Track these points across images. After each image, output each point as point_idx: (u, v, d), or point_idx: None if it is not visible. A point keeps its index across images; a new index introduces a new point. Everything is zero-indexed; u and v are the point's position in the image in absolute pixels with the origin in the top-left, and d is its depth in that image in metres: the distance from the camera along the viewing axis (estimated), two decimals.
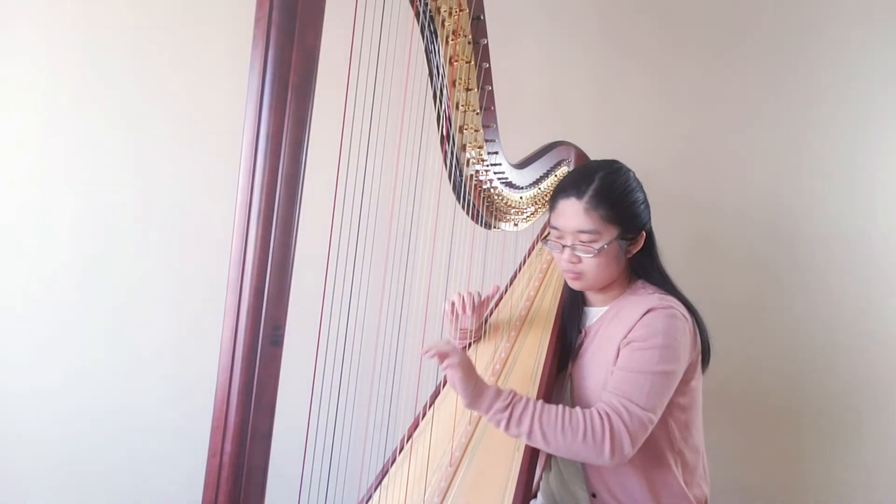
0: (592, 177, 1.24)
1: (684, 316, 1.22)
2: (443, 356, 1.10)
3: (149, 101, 1.87)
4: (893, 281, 1.95)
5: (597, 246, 1.22)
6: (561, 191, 1.26)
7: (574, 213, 1.22)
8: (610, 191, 1.23)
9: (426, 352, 1.11)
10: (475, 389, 1.11)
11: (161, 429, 1.91)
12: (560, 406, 1.13)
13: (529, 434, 1.09)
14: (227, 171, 1.88)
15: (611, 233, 1.22)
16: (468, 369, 1.11)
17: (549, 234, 1.32)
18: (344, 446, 1.07)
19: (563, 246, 1.25)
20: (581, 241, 1.22)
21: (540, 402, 1.12)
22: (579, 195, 1.22)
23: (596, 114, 1.99)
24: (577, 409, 1.13)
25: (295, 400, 0.89)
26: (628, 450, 1.09)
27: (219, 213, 1.87)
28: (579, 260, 1.24)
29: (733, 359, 1.93)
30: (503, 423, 1.10)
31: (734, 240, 2.00)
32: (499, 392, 1.12)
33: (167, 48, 1.87)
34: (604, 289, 1.31)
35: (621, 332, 1.22)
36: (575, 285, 1.30)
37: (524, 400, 1.11)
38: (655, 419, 1.13)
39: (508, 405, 1.10)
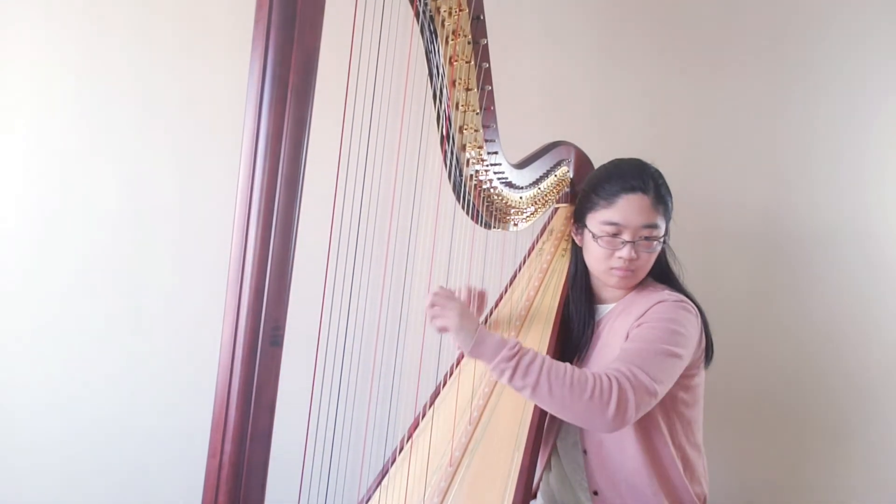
0: (647, 173, 1.25)
1: (694, 310, 1.24)
2: (430, 310, 1.10)
3: (149, 102, 1.87)
4: (894, 280, 1.95)
5: (658, 241, 1.24)
6: (622, 185, 1.24)
7: (643, 208, 1.22)
8: (666, 187, 1.27)
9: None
10: (477, 336, 1.08)
11: (161, 429, 1.91)
12: (568, 363, 1.10)
13: (535, 386, 1.05)
14: (227, 171, 1.88)
15: (664, 228, 1.26)
16: (463, 314, 1.09)
17: (583, 229, 1.30)
18: (344, 446, 1.07)
19: (624, 242, 1.23)
20: (643, 237, 1.23)
21: (547, 356, 1.09)
22: (646, 190, 1.23)
23: (596, 113, 1.99)
24: (586, 369, 1.10)
25: (295, 400, 0.89)
26: (631, 414, 1.05)
27: (219, 214, 1.87)
28: (638, 256, 1.24)
29: (733, 358, 1.93)
30: (508, 373, 1.06)
31: (734, 239, 1.99)
32: (504, 341, 1.08)
33: (167, 49, 1.86)
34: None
35: (630, 321, 1.22)
36: (622, 284, 1.28)
37: (531, 351, 1.08)
38: (660, 393, 1.11)
39: (515, 354, 1.06)
